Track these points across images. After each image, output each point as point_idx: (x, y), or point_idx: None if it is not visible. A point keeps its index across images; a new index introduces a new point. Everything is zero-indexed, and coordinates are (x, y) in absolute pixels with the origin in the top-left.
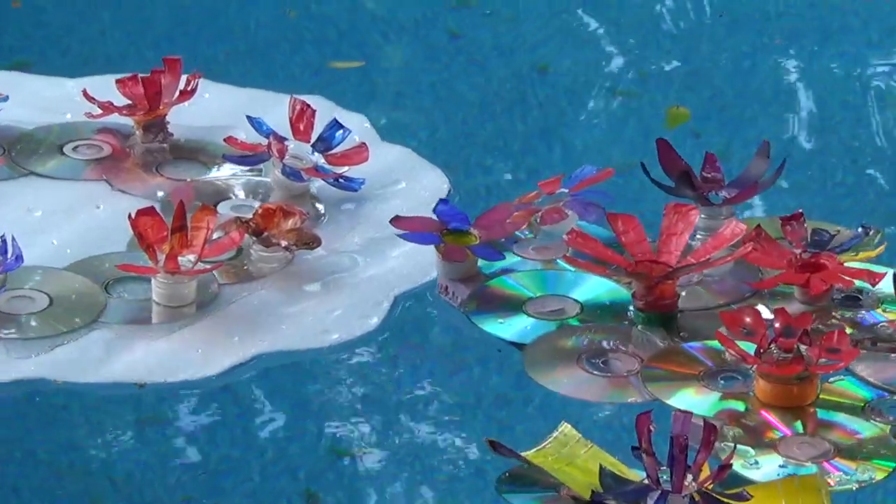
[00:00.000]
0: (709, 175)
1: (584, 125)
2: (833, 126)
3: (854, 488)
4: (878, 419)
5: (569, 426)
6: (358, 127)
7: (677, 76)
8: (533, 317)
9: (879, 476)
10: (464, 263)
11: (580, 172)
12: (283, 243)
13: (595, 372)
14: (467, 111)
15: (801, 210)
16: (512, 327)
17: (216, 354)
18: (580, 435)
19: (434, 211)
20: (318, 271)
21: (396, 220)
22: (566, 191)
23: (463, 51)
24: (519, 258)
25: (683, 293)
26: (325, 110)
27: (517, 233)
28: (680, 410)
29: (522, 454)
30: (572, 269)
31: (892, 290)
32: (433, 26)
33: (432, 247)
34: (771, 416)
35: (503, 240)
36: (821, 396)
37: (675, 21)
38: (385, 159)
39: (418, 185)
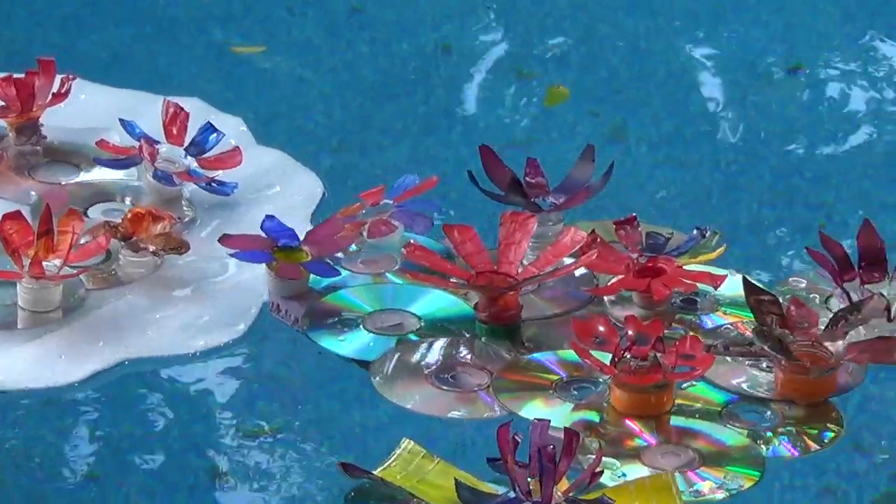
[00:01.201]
0: (533, 181)
1: (486, 105)
2: (725, 106)
3: (723, 497)
4: (735, 424)
5: (411, 442)
6: (234, 130)
7: (575, 57)
8: (373, 332)
9: (747, 485)
10: (297, 281)
11: (402, 182)
12: (151, 248)
13: (444, 387)
14: (367, 91)
15: (634, 214)
16: (352, 343)
17: (80, 360)
18: (425, 450)
19: (261, 228)
20: (188, 276)
21: (225, 239)
22: (391, 202)
23: (366, 27)
24: (348, 272)
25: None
26: (201, 112)
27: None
28: (538, 419)
29: (374, 473)
30: (408, 282)
31: (742, 292)
32: (334, 2)
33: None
34: (633, 425)
35: (335, 255)
36: (677, 403)
37: (572, 3)
38: (260, 163)
39: (292, 189)
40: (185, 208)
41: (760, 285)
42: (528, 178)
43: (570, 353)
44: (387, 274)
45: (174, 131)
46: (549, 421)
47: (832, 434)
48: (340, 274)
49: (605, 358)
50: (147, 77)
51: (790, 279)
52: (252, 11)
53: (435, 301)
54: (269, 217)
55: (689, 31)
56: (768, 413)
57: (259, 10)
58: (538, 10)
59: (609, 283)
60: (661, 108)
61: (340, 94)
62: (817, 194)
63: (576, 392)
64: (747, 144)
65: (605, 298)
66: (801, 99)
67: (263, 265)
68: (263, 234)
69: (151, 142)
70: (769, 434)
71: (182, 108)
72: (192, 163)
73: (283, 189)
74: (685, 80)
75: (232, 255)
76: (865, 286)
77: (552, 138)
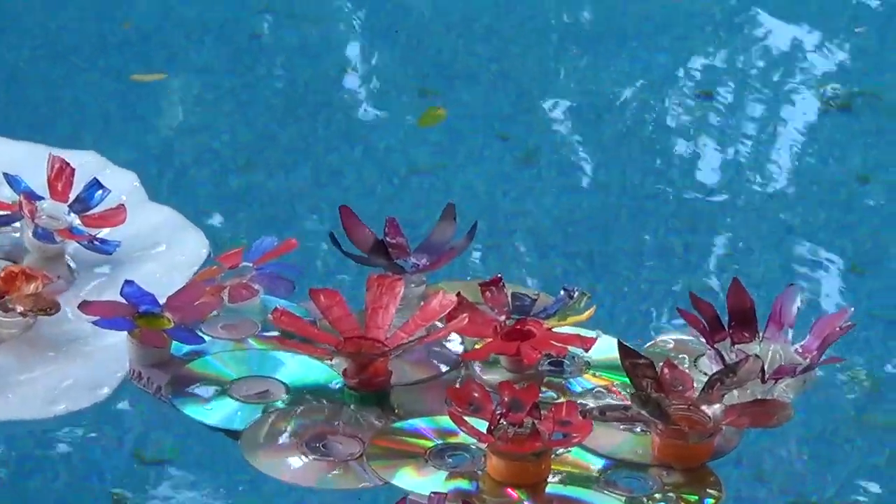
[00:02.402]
0: (393, 241)
1: (390, 127)
2: (630, 127)
3: None
4: (614, 491)
5: None
6: (128, 185)
7: (485, 77)
8: (238, 400)
9: None
10: (159, 349)
11: (261, 244)
12: (20, 308)
13: (315, 456)
14: (269, 113)
15: (499, 275)
16: (217, 412)
17: None
18: None
19: (121, 293)
20: (59, 337)
21: (86, 306)
22: (250, 265)
23: (266, 52)
24: (209, 337)
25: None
26: (95, 167)
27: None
28: (434, 492)
29: None
30: (273, 347)
31: (616, 356)
32: (237, 28)
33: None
34: (511, 493)
35: (198, 321)
36: (553, 469)
37: (486, 23)
38: (149, 220)
39: (177, 248)
40: (68, 266)
41: (635, 348)
42: (388, 239)
43: (444, 419)
44: (248, 339)
45: (59, 187)
46: (446, 494)
47: (712, 500)
48: (204, 341)
49: (481, 425)
50: (48, 109)
51: (657, 339)
52: (151, 38)
53: (302, 368)
54: (129, 282)
55: (597, 54)
56: (646, 479)
57: (159, 37)
58: (448, 32)
59: (477, 347)
60: (573, 131)
61: (243, 116)
62: (724, 216)
63: (450, 459)
64: (657, 168)
65: (474, 362)
66: (711, 124)
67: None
68: (124, 300)
69: (32, 198)
70: (648, 501)
71: (68, 164)
72: (74, 220)
73: (169, 248)
74: (596, 103)
75: (94, 323)
76: (736, 346)
77: (458, 163)
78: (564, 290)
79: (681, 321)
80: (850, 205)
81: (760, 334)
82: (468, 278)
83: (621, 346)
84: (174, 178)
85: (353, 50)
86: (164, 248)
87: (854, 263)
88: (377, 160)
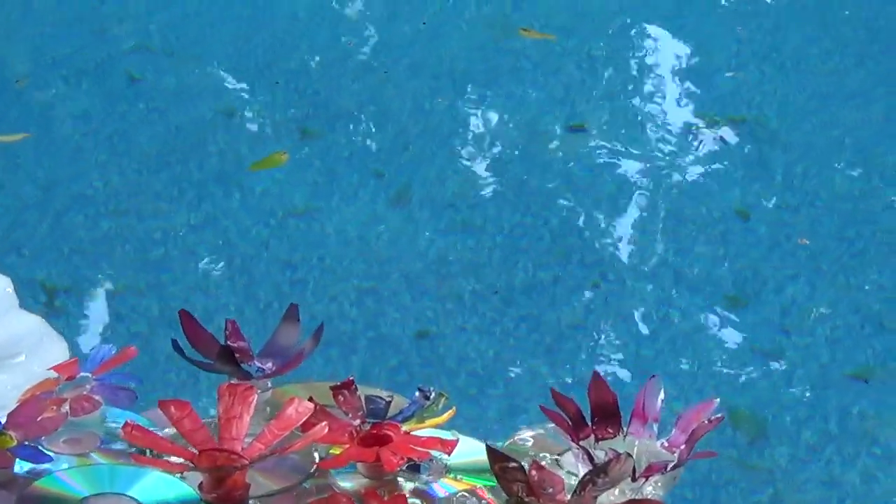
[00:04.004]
0: (235, 345)
1: (267, 169)
2: (504, 164)
3: None
4: None
5: None
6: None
7: (365, 116)
8: None
9: None
10: (4, 468)
11: (97, 353)
12: None
13: None
14: (144, 158)
15: (351, 377)
16: None
17: None
18: None
19: None
20: None
21: None
22: (89, 374)
23: (144, 96)
24: (51, 453)
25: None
26: None
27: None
28: None
29: None
30: (122, 462)
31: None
32: (112, 70)
33: None
34: None
35: (41, 437)
36: None
37: (361, 62)
38: (14, 328)
39: (38, 360)
40: None
41: (503, 452)
42: (229, 343)
43: None
44: (92, 454)
45: None
46: None
47: None
48: (52, 458)
49: None
50: None
51: (516, 437)
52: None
53: (156, 483)
54: None
55: (469, 92)
56: None
57: (34, 83)
58: (325, 73)
59: (334, 453)
60: (445, 167)
61: (117, 162)
62: (594, 253)
63: None
64: (532, 207)
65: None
66: (586, 158)
67: None
68: None
69: None
70: None
71: None
72: None
73: (29, 359)
74: (470, 141)
75: None
76: (600, 442)
77: (333, 205)
78: (419, 390)
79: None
80: (729, 237)
81: (624, 429)
82: (315, 379)
83: (490, 450)
84: (50, 224)
85: (229, 90)
86: (24, 359)
87: (734, 297)
88: (253, 203)
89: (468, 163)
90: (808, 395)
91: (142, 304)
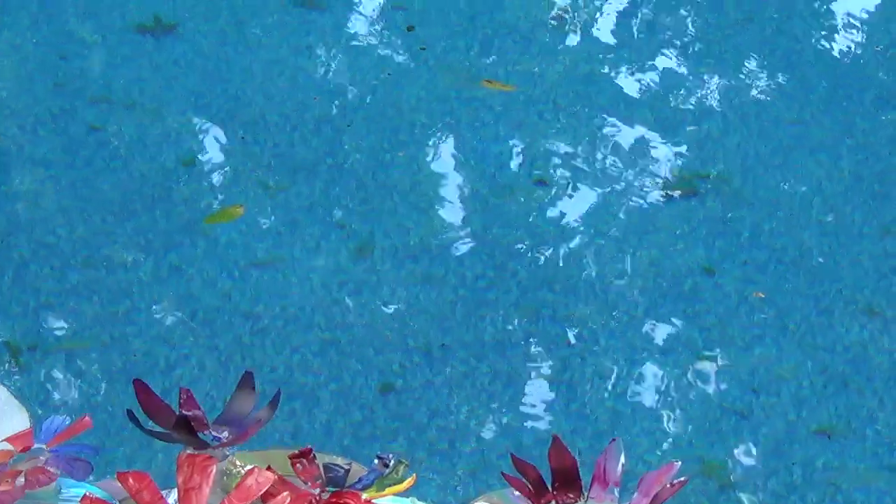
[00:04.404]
0: (189, 413)
1: (229, 220)
2: (466, 216)
3: None
4: None
5: None
6: None
7: (326, 168)
8: None
9: None
10: None
11: (51, 424)
12: None
13: None
14: (108, 207)
15: (309, 446)
16: None
17: None
18: None
19: None
20: None
21: None
22: (43, 446)
23: (106, 145)
24: None
25: None
26: None
27: None
28: None
29: None
30: None
31: None
32: (74, 120)
33: None
34: None
35: None
36: None
37: (318, 114)
38: None
39: None
40: None
41: None
42: (183, 411)
43: None
44: None
45: None
46: None
47: None
48: None
49: None
50: None
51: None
52: None
53: None
54: None
55: (431, 144)
56: None
57: None
58: (285, 123)
59: None
60: (408, 218)
61: (81, 210)
62: (565, 306)
63: None
64: (495, 260)
65: None
66: (549, 212)
67: None
68: None
69: None
70: None
71: None
72: None
73: None
74: (430, 193)
75: None
76: None
77: (296, 255)
78: (378, 458)
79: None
80: (696, 294)
81: (585, 494)
82: (270, 447)
83: None
84: (13, 274)
85: (191, 141)
86: None
87: (703, 355)
88: (217, 254)
89: (431, 214)
90: (774, 448)
91: (105, 358)
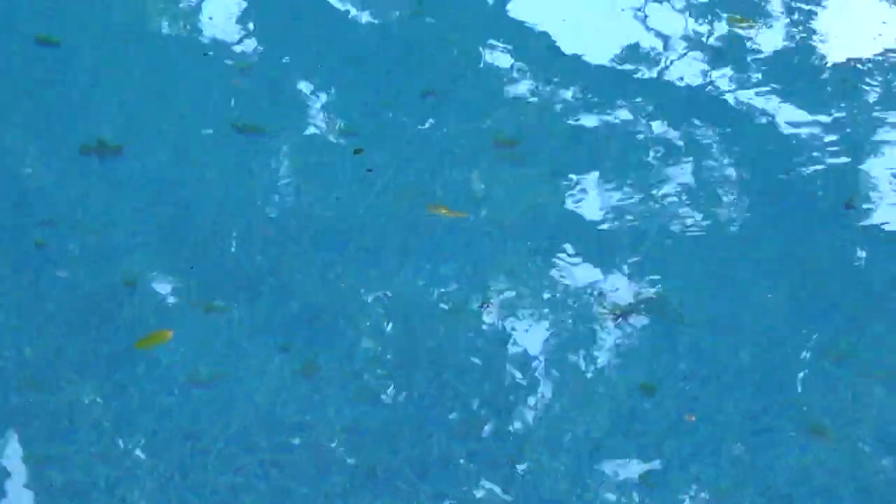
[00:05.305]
0: None
1: (174, 341)
2: (415, 336)
3: None
4: None
5: None
6: None
7: (267, 289)
8: None
9: None
10: None
11: None
12: None
13: None
14: (53, 327)
15: None
16: None
17: None
18: None
19: None
20: None
21: None
22: None
23: (50, 262)
24: None
25: None
26: None
27: None
28: None
29: None
30: None
31: None
32: (20, 238)
33: None
34: None
35: None
36: None
37: (263, 237)
38: None
39: None
40: None
41: None
42: None
43: None
44: None
45: None
46: None
47: None
48: None
49: None
50: None
51: None
52: None
53: None
54: None
55: (377, 265)
56: None
57: None
58: (230, 244)
59: None
60: (352, 338)
61: (26, 330)
62: (508, 426)
63: None
64: (440, 377)
65: None
66: (492, 332)
67: None
68: None
69: None
70: None
71: None
72: None
73: None
74: (377, 313)
75: None
76: None
77: (240, 375)
78: None
79: None
80: (636, 413)
81: None
82: None
83: None
84: None
85: (135, 261)
86: None
87: (644, 474)
88: (159, 374)
89: (376, 333)
90: None
91: (46, 475)
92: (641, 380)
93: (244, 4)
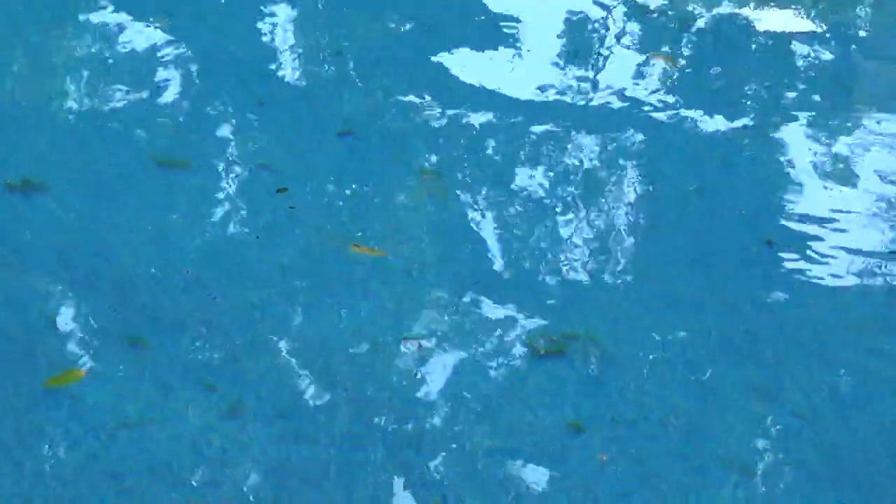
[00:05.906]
0: None
1: (98, 381)
2: (336, 374)
3: None
4: None
5: None
6: None
7: (191, 326)
8: None
9: None
10: None
11: None
12: None
13: None
14: None
15: None
16: None
17: None
18: None
19: None
20: None
21: None
22: None
23: None
24: None
25: None
26: None
27: None
28: None
29: None
30: None
31: None
32: None
33: None
34: None
35: None
36: None
37: (186, 275)
38: None
39: None
40: None
41: None
42: None
43: None
44: None
45: None
46: None
47: None
48: None
49: None
50: None
51: None
52: None
53: None
54: None
55: (301, 303)
56: None
57: None
58: (152, 282)
59: None
60: (277, 377)
61: None
62: (433, 465)
63: None
64: (363, 416)
65: None
66: (415, 370)
67: None
68: None
69: None
70: None
71: None
72: None
73: None
74: (301, 350)
75: None
76: None
77: (166, 416)
78: None
79: None
80: (564, 453)
81: None
82: None
83: None
84: None
85: (57, 299)
86: None
87: None
88: (81, 414)
89: (301, 372)
90: None
91: None
92: (568, 419)
93: (168, 37)
